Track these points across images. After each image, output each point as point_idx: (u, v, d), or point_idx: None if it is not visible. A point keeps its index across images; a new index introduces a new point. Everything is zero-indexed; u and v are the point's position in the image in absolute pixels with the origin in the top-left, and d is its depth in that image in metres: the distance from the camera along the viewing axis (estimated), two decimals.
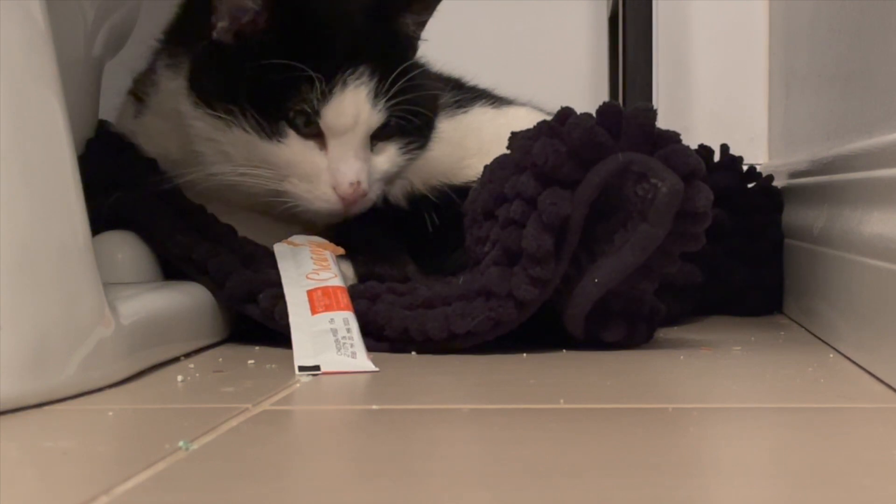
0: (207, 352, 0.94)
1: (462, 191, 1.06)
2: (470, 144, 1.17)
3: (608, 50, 1.51)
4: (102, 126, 1.14)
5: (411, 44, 1.07)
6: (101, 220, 0.97)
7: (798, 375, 0.81)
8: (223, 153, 1.02)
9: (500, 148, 0.95)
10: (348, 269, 1.01)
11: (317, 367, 0.83)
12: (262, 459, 0.58)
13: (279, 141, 1.01)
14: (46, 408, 0.70)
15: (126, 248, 1.01)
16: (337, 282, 0.92)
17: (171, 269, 1.01)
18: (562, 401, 0.71)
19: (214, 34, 1.01)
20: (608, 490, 0.52)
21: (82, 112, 1.10)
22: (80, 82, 1.10)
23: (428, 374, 0.84)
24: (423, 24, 1.08)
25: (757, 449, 0.62)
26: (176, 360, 0.89)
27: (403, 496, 0.52)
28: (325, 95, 0.99)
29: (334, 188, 1.01)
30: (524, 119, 1.15)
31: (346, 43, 1.01)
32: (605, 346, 0.91)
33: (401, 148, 1.06)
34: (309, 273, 0.93)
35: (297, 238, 1.01)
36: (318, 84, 0.99)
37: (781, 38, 1.42)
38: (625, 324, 0.91)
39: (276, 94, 1.00)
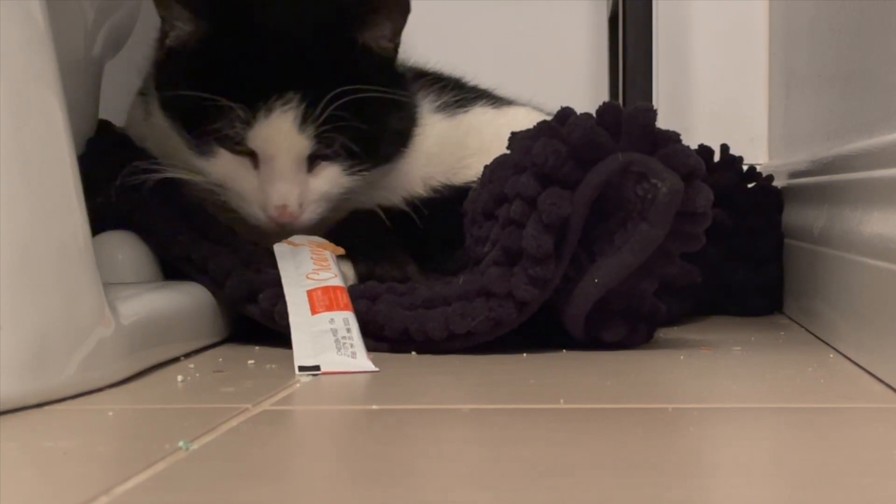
0: (207, 352, 0.94)
1: (462, 191, 1.06)
2: (470, 144, 1.17)
3: (608, 50, 1.51)
4: (103, 126, 1.14)
5: (372, 56, 1.04)
6: (101, 220, 0.98)
7: (798, 375, 0.81)
8: (171, 157, 1.04)
9: (501, 148, 0.95)
10: (348, 269, 1.01)
11: (317, 367, 0.83)
12: (262, 459, 0.58)
13: (210, 158, 1.01)
14: (46, 408, 0.70)
15: (126, 248, 1.01)
16: (337, 282, 0.92)
17: (171, 269, 1.01)
18: (562, 401, 0.71)
19: (168, 42, 1.03)
20: (608, 490, 0.52)
21: (82, 112, 1.10)
22: (80, 82, 1.10)
23: (428, 374, 0.84)
24: (395, 35, 1.05)
25: (757, 449, 0.62)
26: (176, 360, 0.89)
27: (403, 496, 0.52)
28: (248, 120, 0.98)
29: (262, 209, 1.01)
30: (524, 119, 1.15)
31: (275, 68, 0.99)
32: (605, 346, 0.91)
33: (345, 169, 1.03)
34: (309, 273, 0.93)
35: (297, 238, 1.01)
36: (239, 111, 0.98)
37: (781, 38, 1.42)
38: (625, 324, 0.91)
39: (205, 118, 0.99)
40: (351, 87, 0.98)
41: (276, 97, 0.98)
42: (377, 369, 0.83)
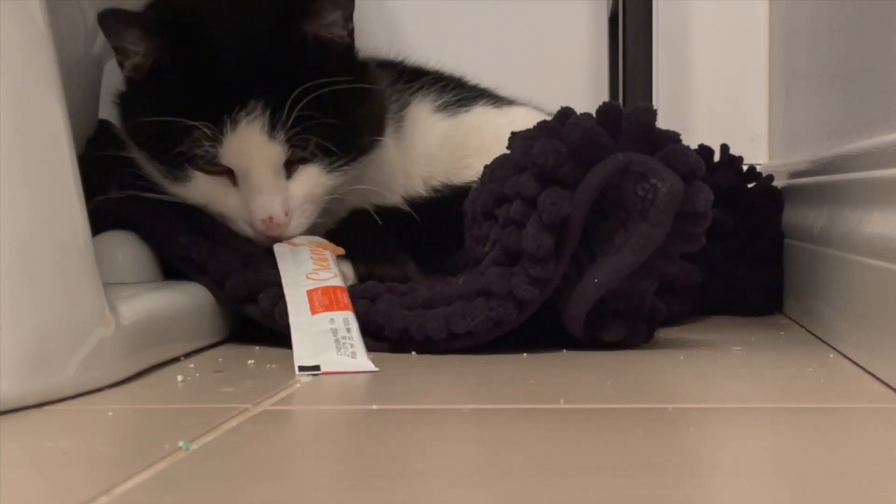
0: (207, 352, 0.94)
1: (463, 190, 1.05)
2: (471, 144, 1.17)
3: (608, 50, 1.51)
4: (102, 126, 1.14)
5: (328, 48, 1.02)
6: (101, 220, 0.98)
7: (798, 375, 0.81)
8: (158, 182, 1.03)
9: (501, 147, 0.95)
10: (348, 269, 1.01)
11: (317, 367, 0.83)
12: (262, 459, 0.58)
13: (186, 183, 1.00)
14: (46, 408, 0.70)
15: (126, 248, 1.01)
16: (337, 282, 0.92)
17: (171, 269, 1.01)
18: (562, 401, 0.71)
19: (125, 73, 1.02)
20: (608, 490, 0.52)
21: (82, 112, 1.10)
22: (80, 82, 1.10)
23: (428, 374, 0.84)
24: (347, 20, 1.02)
25: (757, 449, 0.62)
26: (176, 360, 0.89)
27: (403, 496, 0.52)
28: (217, 137, 0.97)
29: (249, 225, 1.01)
30: (525, 119, 1.15)
31: (236, 76, 0.98)
32: (605, 346, 0.91)
33: (324, 168, 1.01)
34: (309, 273, 0.93)
35: (297, 238, 1.01)
36: (204, 130, 0.96)
37: (781, 38, 1.42)
38: (625, 324, 0.91)
39: (172, 142, 0.98)
40: (313, 83, 0.96)
41: (238, 108, 0.97)
42: (377, 369, 0.83)
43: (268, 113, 0.97)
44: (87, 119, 1.12)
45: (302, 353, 0.85)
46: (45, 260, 0.72)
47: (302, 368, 0.83)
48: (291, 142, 0.98)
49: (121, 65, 1.02)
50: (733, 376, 0.83)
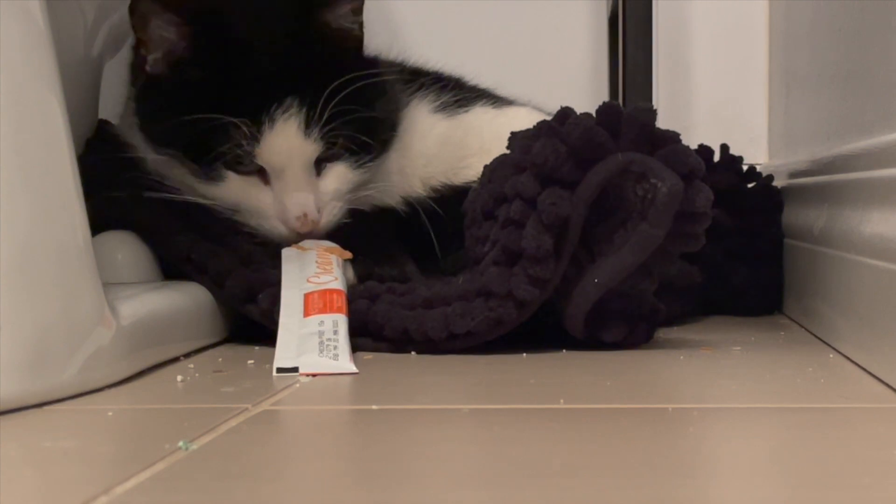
0: (207, 352, 0.94)
1: (462, 191, 1.05)
2: (471, 144, 1.17)
3: (608, 50, 1.51)
4: (102, 126, 1.14)
5: (346, 39, 1.03)
6: (101, 220, 0.97)
7: (798, 375, 0.81)
8: (179, 184, 1.02)
9: (501, 147, 0.95)
10: (348, 269, 1.01)
11: (295, 369, 0.83)
12: (262, 459, 0.58)
13: (219, 183, 1.00)
14: (46, 408, 0.70)
15: (126, 248, 1.01)
16: (336, 285, 0.92)
17: (171, 269, 1.01)
18: (562, 401, 0.71)
19: (148, 68, 1.01)
20: (608, 490, 0.52)
21: (82, 112, 1.10)
22: (80, 82, 1.10)
23: (428, 374, 0.84)
24: (357, 13, 1.03)
25: (757, 449, 0.62)
26: (176, 360, 0.89)
27: (403, 496, 0.52)
28: (255, 136, 0.97)
29: (283, 223, 1.00)
30: (524, 119, 1.15)
31: (269, 74, 0.98)
32: (605, 346, 0.91)
33: (351, 166, 1.02)
34: (310, 276, 0.93)
35: (306, 242, 1.01)
36: (244, 128, 0.96)
37: (781, 39, 1.42)
38: (625, 324, 0.91)
39: (207, 141, 0.97)
40: (344, 78, 0.97)
41: (275, 106, 0.97)
42: (357, 371, 0.83)
43: (304, 110, 0.97)
44: (87, 119, 1.12)
45: (283, 354, 0.85)
46: (44, 260, 0.72)
47: (280, 370, 0.82)
48: (324, 139, 0.99)
49: (143, 60, 1.01)
50: (733, 376, 0.83)
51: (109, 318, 0.77)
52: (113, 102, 1.15)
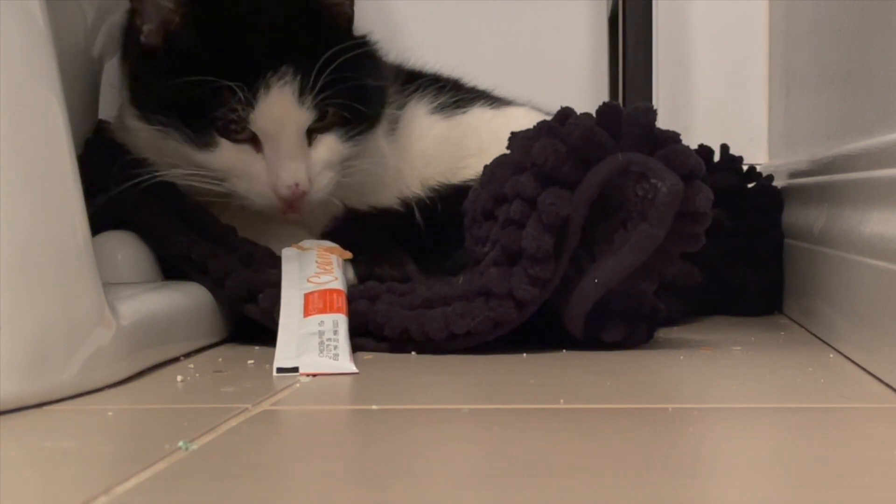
0: (207, 352, 0.94)
1: (461, 189, 1.06)
2: (469, 144, 1.17)
3: (608, 50, 1.51)
4: (101, 125, 1.14)
5: (338, 16, 1.04)
6: (101, 220, 0.98)
7: (798, 375, 0.81)
8: (168, 160, 1.03)
9: (500, 147, 0.95)
10: (348, 269, 1.01)
11: (295, 369, 0.83)
12: (262, 459, 0.58)
13: (213, 150, 1.01)
14: (46, 408, 0.70)
15: (126, 248, 1.01)
16: (336, 285, 0.92)
17: (171, 269, 1.01)
18: (562, 401, 0.71)
19: (143, 38, 1.02)
20: (608, 490, 0.52)
21: (82, 112, 1.10)
22: (80, 82, 1.10)
23: (428, 374, 0.84)
24: None
25: (757, 449, 0.62)
26: (176, 360, 0.89)
27: (403, 496, 0.52)
28: (250, 101, 0.98)
29: (274, 191, 1.01)
30: (523, 119, 1.15)
31: (265, 42, 1.00)
32: (605, 346, 0.91)
33: (341, 137, 1.04)
34: (310, 276, 0.93)
35: (306, 242, 1.01)
36: (239, 92, 0.98)
37: (781, 39, 1.42)
38: (625, 324, 0.91)
39: (201, 106, 0.99)
40: (338, 47, 0.99)
41: (271, 73, 0.98)
42: (357, 371, 0.83)
43: (298, 78, 0.99)
44: (87, 119, 1.12)
45: (283, 354, 0.85)
46: (44, 260, 0.72)
47: (280, 370, 0.83)
48: (316, 108, 1.00)
49: (138, 31, 1.02)
50: (733, 376, 0.83)
51: (109, 318, 0.77)
52: (113, 102, 1.15)
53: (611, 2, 1.46)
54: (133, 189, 1.02)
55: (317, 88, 0.99)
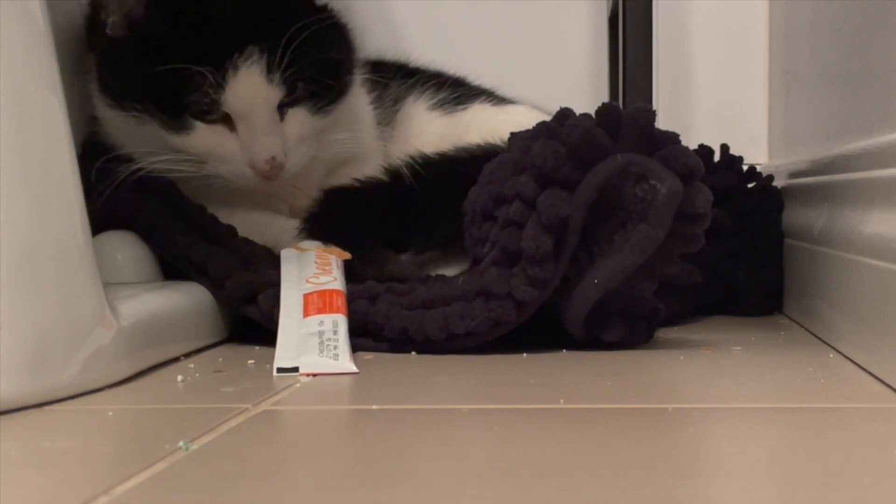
0: (207, 352, 0.94)
1: (450, 158, 1.07)
2: (469, 140, 1.17)
3: (608, 50, 1.51)
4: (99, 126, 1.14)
5: None
6: (101, 220, 0.98)
7: (798, 375, 0.81)
8: (144, 147, 1.04)
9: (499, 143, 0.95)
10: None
11: (295, 369, 0.83)
12: (262, 459, 0.58)
13: (188, 133, 1.03)
14: (46, 408, 0.70)
15: (126, 248, 1.01)
16: (335, 285, 0.92)
17: (171, 269, 1.01)
18: (562, 401, 0.71)
19: (108, 31, 1.03)
20: (608, 490, 0.52)
21: (82, 112, 1.10)
22: (79, 82, 1.09)
23: (428, 374, 0.84)
24: None
25: (757, 449, 0.62)
26: (176, 360, 0.89)
27: (403, 496, 0.52)
28: (220, 84, 1.00)
29: (251, 167, 1.03)
30: (523, 116, 1.15)
31: (229, 24, 1.01)
32: (605, 346, 0.91)
33: (311, 110, 1.06)
34: (309, 277, 0.93)
35: (305, 243, 1.01)
36: (209, 76, 0.99)
37: (781, 39, 1.42)
38: (625, 324, 0.91)
39: (173, 91, 1.01)
40: (301, 23, 1.00)
41: (238, 54, 1.00)
42: (357, 371, 0.83)
43: (264, 57, 1.01)
44: (86, 119, 1.12)
45: (283, 354, 0.85)
46: (44, 260, 0.72)
47: (280, 370, 0.83)
48: (285, 84, 1.02)
49: (102, 24, 1.03)
50: (733, 376, 0.83)
51: (109, 318, 0.77)
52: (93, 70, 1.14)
53: (611, 2, 1.46)
54: (130, 188, 1.02)
55: (283, 65, 1.01)
